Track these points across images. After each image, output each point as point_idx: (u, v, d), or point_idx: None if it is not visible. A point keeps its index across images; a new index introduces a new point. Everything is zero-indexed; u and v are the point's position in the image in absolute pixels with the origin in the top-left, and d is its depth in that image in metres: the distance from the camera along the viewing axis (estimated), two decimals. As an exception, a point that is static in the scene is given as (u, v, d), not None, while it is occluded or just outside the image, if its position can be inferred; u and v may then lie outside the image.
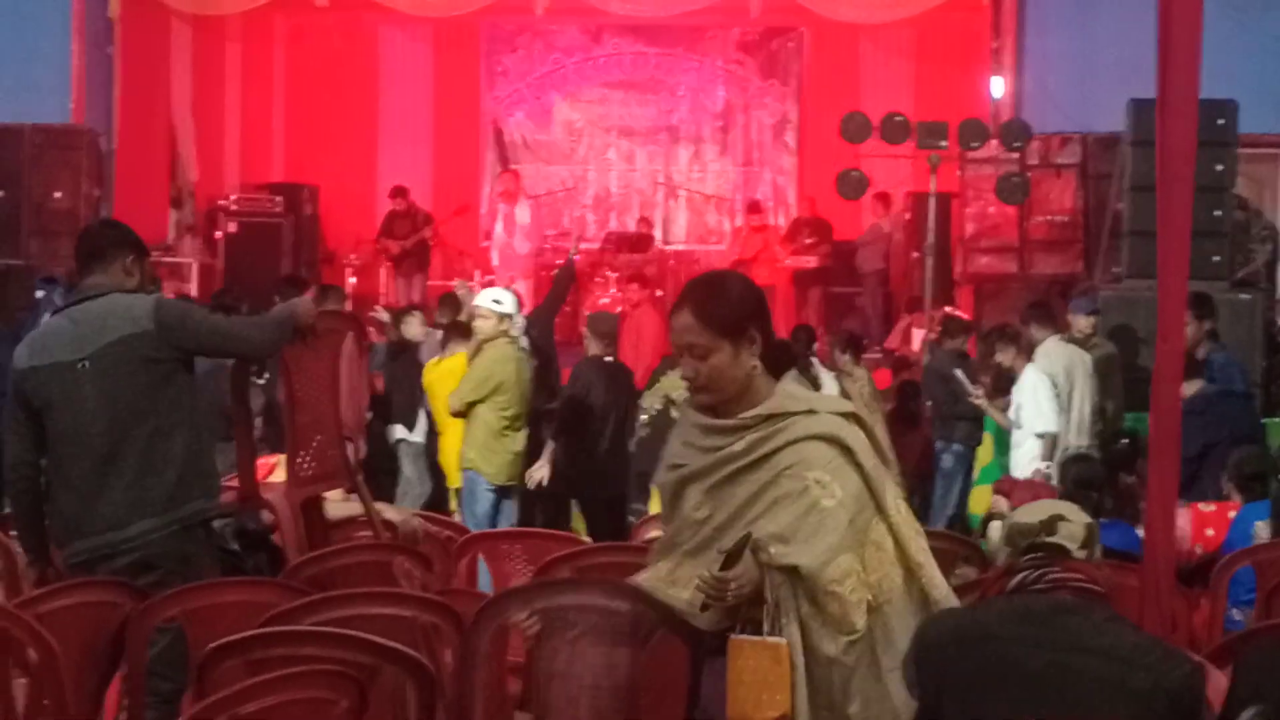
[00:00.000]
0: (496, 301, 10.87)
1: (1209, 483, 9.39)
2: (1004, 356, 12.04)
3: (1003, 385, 12.13)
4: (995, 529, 10.91)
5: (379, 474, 12.32)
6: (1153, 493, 5.34)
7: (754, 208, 20.13)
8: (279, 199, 19.31)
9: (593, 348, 11.63)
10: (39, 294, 14.09)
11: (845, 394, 12.65)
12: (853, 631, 4.06)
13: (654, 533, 8.57)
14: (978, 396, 12.35)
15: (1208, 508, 8.29)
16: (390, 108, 21.86)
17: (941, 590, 4.21)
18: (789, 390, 4.25)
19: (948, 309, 16.13)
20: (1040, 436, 11.47)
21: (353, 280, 19.25)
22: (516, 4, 18.33)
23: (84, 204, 17.01)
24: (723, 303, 4.20)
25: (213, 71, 20.60)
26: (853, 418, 4.23)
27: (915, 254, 17.64)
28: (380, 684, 4.93)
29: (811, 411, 4.19)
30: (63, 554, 6.13)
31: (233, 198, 19.60)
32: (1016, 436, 11.61)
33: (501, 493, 10.95)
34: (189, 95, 19.96)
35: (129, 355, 5.98)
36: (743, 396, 4.22)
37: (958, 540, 8.57)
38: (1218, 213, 13.28)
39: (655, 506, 10.69)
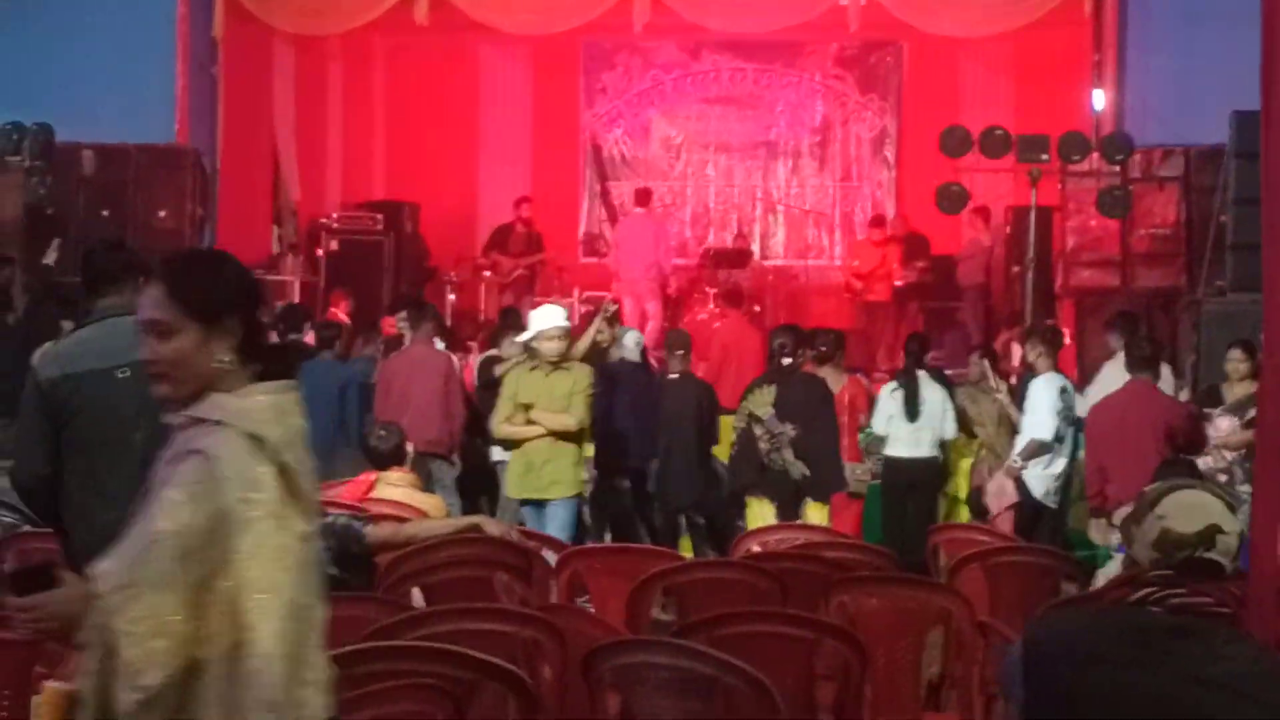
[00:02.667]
0: (559, 321, 10.71)
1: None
2: (1031, 353, 12.07)
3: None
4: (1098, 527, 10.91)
5: (476, 495, 12.42)
6: (1258, 507, 5.26)
7: (877, 222, 19.99)
8: (380, 217, 19.44)
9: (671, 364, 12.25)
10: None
11: (963, 412, 12.59)
12: (144, 688, 3.36)
13: (755, 547, 8.61)
14: (999, 393, 12.38)
15: (1314, 523, 8.17)
16: (490, 125, 21.97)
17: (262, 660, 3.43)
18: (220, 398, 3.61)
19: (1049, 323, 16.01)
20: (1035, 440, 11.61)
21: (452, 298, 19.32)
22: (615, 22, 18.36)
23: (188, 223, 17.20)
24: (203, 280, 3.72)
25: (314, 91, 20.77)
26: (260, 443, 3.54)
27: (1016, 268, 17.53)
28: (480, 699, 4.95)
29: (221, 424, 3.57)
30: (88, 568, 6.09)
31: (334, 216, 19.76)
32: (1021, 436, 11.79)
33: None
34: (291, 114, 20.13)
35: None
36: (204, 395, 3.65)
37: (1059, 556, 8.53)
38: (1323, 224, 13.12)
39: (752, 521, 10.73)
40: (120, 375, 5.97)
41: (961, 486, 12.62)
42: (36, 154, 15.91)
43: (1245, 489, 10.86)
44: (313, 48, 20.35)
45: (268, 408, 3.60)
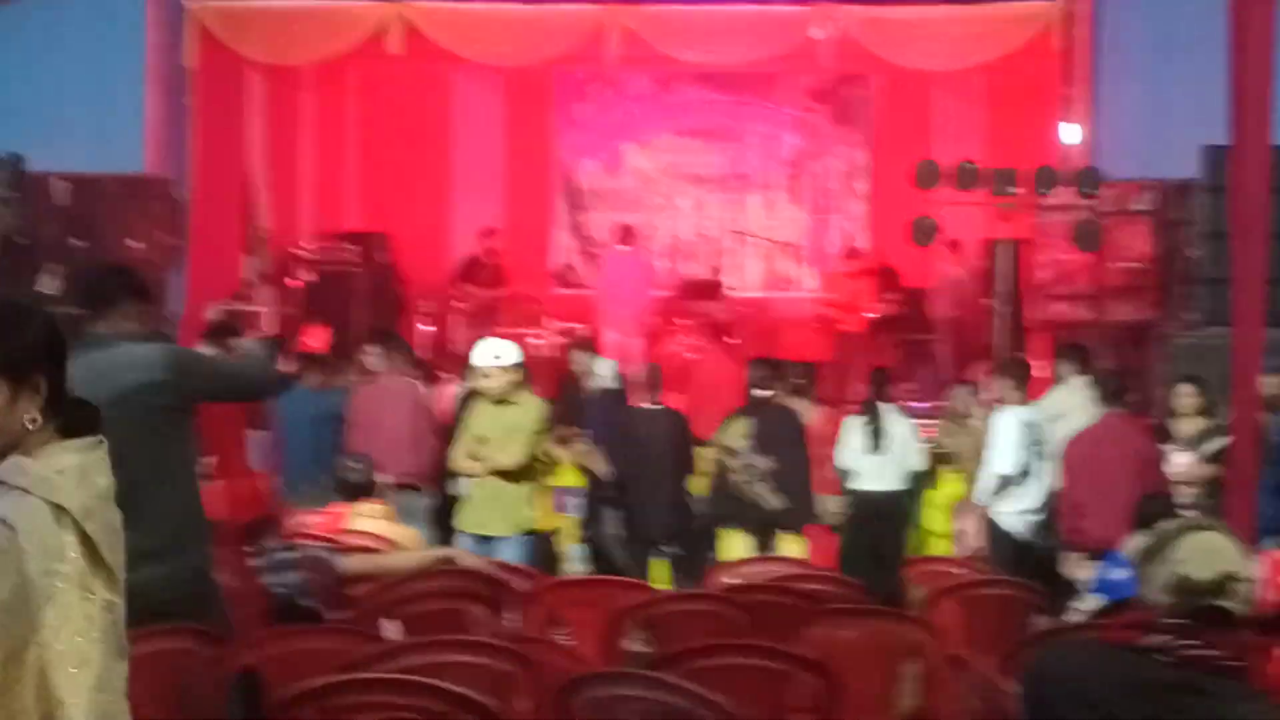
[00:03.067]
0: (497, 357, 10.35)
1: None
2: (999, 386, 12.02)
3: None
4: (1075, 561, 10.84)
5: (450, 526, 12.41)
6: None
7: (852, 254, 20.04)
8: (353, 247, 19.41)
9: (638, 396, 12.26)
10: None
11: (940, 446, 12.58)
12: None
13: (730, 579, 8.60)
14: (973, 420, 12.39)
15: (1283, 555, 8.19)
16: (463, 156, 21.97)
17: None
18: (23, 462, 3.44)
19: (1017, 355, 16.05)
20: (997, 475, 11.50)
21: (425, 328, 19.32)
22: (588, 53, 18.39)
23: (160, 253, 17.16)
24: (10, 334, 3.52)
25: (287, 120, 20.75)
26: (63, 512, 3.37)
27: (988, 301, 17.58)
28: (454, 732, 4.93)
29: (24, 490, 3.37)
30: None
31: (307, 246, 19.73)
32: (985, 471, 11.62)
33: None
34: (263, 144, 20.10)
35: (142, 405, 5.96)
36: (8, 456, 3.48)
37: (1033, 590, 8.53)
38: (1292, 259, 13.19)
39: (725, 553, 10.73)
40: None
41: (935, 519, 12.58)
42: (7, 183, 15.87)
43: None
44: (285, 77, 20.33)
45: (71, 471, 3.45)
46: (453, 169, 21.98)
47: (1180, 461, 11.19)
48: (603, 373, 12.64)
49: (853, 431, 12.26)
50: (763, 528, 10.86)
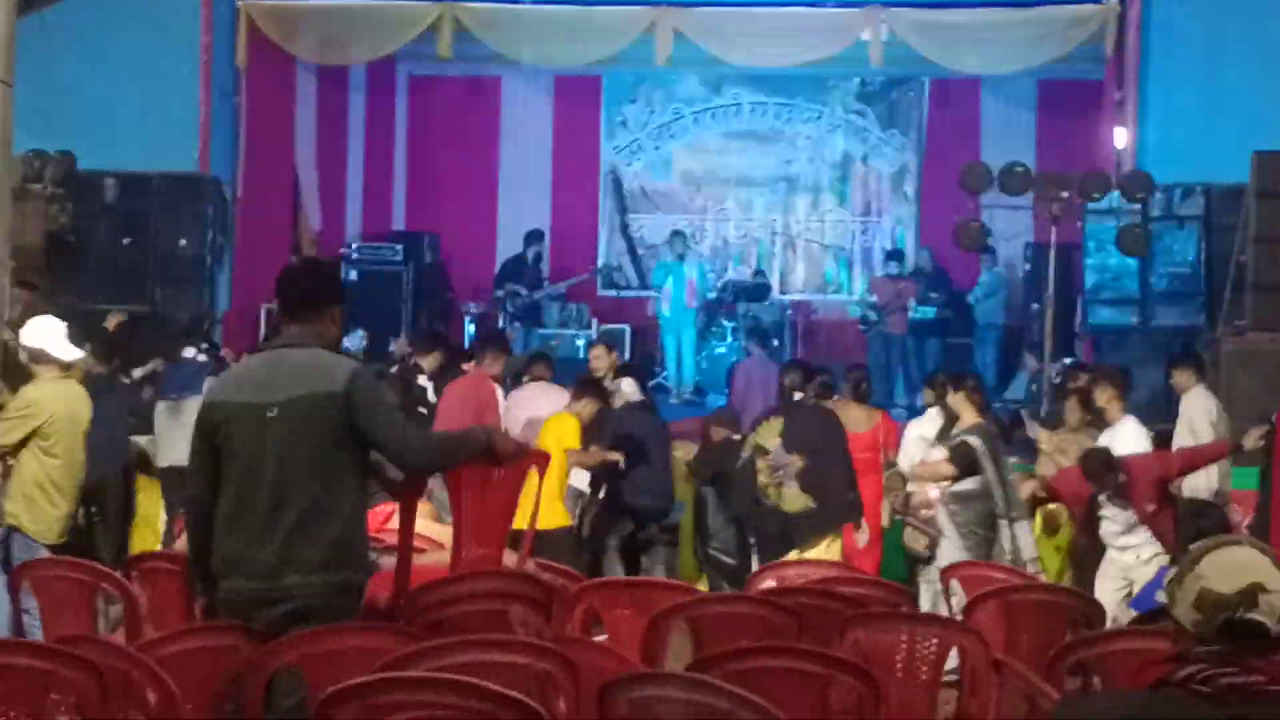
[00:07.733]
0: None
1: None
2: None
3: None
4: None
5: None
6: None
7: (895, 256, 20.04)
8: (400, 247, 19.49)
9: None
10: (189, 353, 13.71)
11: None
12: None
13: (770, 583, 8.59)
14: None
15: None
16: (510, 157, 22.01)
17: None
18: None
19: (1067, 360, 16.01)
20: None
21: (471, 328, 19.37)
22: (637, 55, 18.41)
23: (209, 252, 17.24)
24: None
25: (336, 121, 20.84)
26: None
27: (1035, 305, 17.52)
28: (494, 731, 4.93)
29: None
30: (218, 589, 6.10)
31: (354, 246, 19.81)
32: None
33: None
34: (313, 144, 20.18)
35: (316, 412, 5.98)
36: None
37: (1076, 595, 8.50)
38: (1342, 264, 13.16)
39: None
40: (269, 415, 5.96)
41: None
42: (58, 181, 15.92)
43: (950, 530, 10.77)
44: (335, 78, 20.43)
45: None
46: (500, 170, 22.03)
47: (933, 455, 11.10)
48: (625, 389, 12.66)
49: (916, 433, 12.17)
50: (775, 534, 10.82)
